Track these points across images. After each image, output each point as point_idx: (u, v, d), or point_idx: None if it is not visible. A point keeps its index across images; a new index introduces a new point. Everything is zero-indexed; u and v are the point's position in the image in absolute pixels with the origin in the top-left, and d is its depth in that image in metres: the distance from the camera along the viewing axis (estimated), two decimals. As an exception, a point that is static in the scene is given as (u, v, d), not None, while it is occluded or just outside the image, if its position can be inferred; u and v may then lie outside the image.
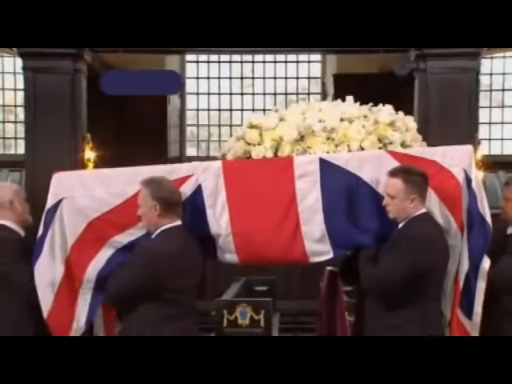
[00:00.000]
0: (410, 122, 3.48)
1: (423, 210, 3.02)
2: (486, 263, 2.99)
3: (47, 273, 3.07)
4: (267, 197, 3.13)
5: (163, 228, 2.99)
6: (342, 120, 3.40)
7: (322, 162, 3.12)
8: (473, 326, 3.05)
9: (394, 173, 2.99)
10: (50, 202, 3.13)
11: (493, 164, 9.84)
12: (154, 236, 3.01)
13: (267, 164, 3.30)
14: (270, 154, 3.36)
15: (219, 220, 3.13)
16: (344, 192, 3.09)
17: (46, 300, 3.06)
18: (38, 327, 3.14)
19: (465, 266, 3.02)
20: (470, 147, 3.17)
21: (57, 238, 3.09)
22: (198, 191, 3.13)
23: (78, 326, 3.09)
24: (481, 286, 2.99)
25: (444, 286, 3.11)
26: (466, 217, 3.07)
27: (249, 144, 3.42)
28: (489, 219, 3.01)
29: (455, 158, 3.09)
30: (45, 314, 3.06)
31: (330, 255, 3.12)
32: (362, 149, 3.29)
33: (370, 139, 3.32)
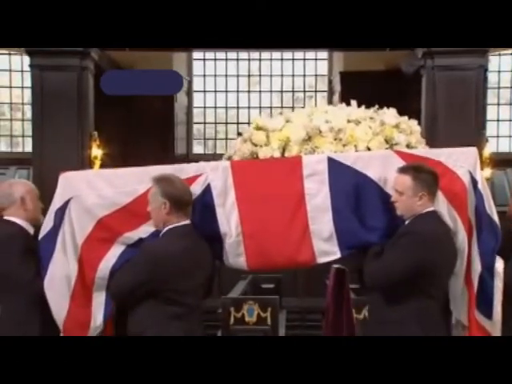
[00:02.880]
0: (414, 125, 3.60)
1: (431, 209, 3.01)
2: (500, 262, 3.00)
3: (61, 275, 3.06)
4: (276, 196, 3.13)
5: (171, 227, 2.96)
6: (348, 121, 3.45)
7: (331, 161, 3.13)
8: (493, 326, 3.05)
9: (403, 169, 2.99)
10: (58, 203, 3.12)
11: (501, 161, 9.81)
12: (161, 234, 2.99)
13: (276, 163, 3.31)
14: (277, 154, 3.45)
15: (229, 219, 3.12)
16: (352, 191, 3.09)
17: (62, 302, 3.06)
18: (43, 325, 3.14)
19: (477, 267, 3.02)
20: (474, 149, 3.17)
21: (68, 239, 3.08)
22: (208, 190, 3.12)
23: (94, 326, 3.09)
24: (498, 284, 3.00)
25: (452, 287, 3.10)
26: (473, 218, 3.07)
27: (256, 145, 3.49)
28: (496, 219, 3.02)
29: (460, 160, 3.10)
30: (61, 315, 3.05)
31: (338, 255, 3.12)
32: (369, 149, 3.34)
33: (377, 139, 3.40)
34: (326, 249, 3.10)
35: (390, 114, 3.57)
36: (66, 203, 3.10)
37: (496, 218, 3.02)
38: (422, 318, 2.95)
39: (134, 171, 3.20)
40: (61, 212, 3.09)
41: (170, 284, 2.87)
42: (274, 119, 3.57)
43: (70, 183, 3.15)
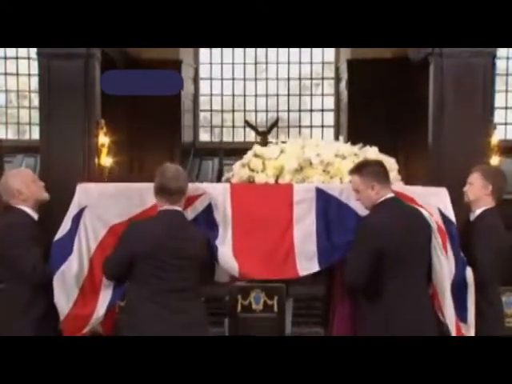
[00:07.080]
0: (393, 163, 3.96)
1: (388, 196, 3.32)
2: (469, 270, 3.39)
3: (73, 273, 3.37)
4: (268, 217, 3.51)
5: (158, 210, 3.30)
6: (336, 156, 3.88)
7: (319, 191, 3.53)
8: (468, 329, 3.39)
9: (350, 172, 3.42)
10: (74, 210, 3.47)
11: (509, 149, 9.74)
12: None
13: (270, 189, 3.71)
14: (271, 181, 3.79)
15: (225, 233, 3.49)
16: (335, 219, 3.50)
17: (69, 296, 3.37)
18: (46, 308, 3.36)
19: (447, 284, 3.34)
20: (444, 189, 3.60)
21: (83, 242, 3.41)
22: (209, 207, 3.50)
23: (96, 317, 3.41)
24: (470, 290, 3.37)
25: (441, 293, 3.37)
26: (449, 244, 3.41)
27: (253, 171, 3.86)
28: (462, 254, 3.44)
29: (429, 199, 3.50)
30: (66, 307, 3.36)
31: (317, 269, 3.51)
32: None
33: None
34: (308, 266, 3.50)
35: (372, 152, 3.95)
36: (82, 211, 3.45)
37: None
38: (384, 297, 3.21)
39: (144, 185, 3.51)
40: (77, 218, 3.45)
41: (146, 259, 3.13)
42: (270, 149, 3.99)
43: (85, 193, 3.50)
